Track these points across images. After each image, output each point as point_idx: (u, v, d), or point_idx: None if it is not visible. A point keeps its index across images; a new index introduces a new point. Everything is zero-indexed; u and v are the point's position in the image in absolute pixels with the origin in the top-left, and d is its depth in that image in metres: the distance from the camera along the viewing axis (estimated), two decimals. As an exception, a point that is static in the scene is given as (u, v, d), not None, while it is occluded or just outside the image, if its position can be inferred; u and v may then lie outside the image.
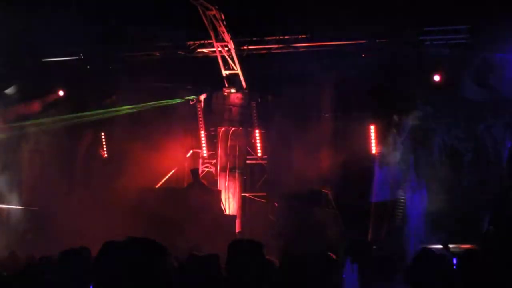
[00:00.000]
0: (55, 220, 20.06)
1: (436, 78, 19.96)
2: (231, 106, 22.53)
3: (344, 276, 6.83)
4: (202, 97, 22.95)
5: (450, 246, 16.71)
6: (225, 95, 22.65)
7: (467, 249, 6.99)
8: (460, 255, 6.97)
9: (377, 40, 20.31)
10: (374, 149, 20.99)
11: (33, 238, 20.51)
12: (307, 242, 15.88)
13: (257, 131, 22.40)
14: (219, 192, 21.79)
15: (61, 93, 23.79)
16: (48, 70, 23.63)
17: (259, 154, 22.54)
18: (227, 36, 21.46)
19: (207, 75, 22.46)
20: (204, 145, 23.03)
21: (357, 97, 21.06)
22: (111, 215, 20.97)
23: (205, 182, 22.03)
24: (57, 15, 20.98)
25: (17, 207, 23.74)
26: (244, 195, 22.68)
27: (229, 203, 22.20)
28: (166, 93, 22.63)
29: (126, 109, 23.39)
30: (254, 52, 22.24)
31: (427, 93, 19.99)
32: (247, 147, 22.70)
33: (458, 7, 18.11)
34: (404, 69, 19.46)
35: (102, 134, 24.04)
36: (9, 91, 23.44)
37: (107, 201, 22.42)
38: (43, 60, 23.89)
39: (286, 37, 21.72)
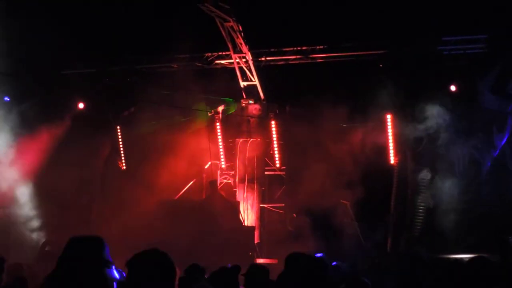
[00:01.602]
0: (74, 232, 20.07)
1: (452, 88, 19.89)
2: (249, 117, 22.56)
3: None
4: (220, 108, 22.97)
5: (469, 256, 16.63)
6: (243, 106, 22.68)
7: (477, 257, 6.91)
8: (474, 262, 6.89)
9: (395, 50, 20.25)
10: (392, 159, 20.92)
11: (52, 251, 20.57)
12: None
13: (275, 142, 22.38)
14: (238, 203, 21.79)
15: (81, 105, 23.90)
16: (67, 83, 23.77)
17: (277, 165, 22.52)
18: (244, 48, 21.51)
19: (225, 86, 22.49)
20: (222, 156, 23.03)
21: (375, 107, 21.05)
22: (130, 227, 21.04)
23: (224, 194, 22.04)
24: (75, 28, 21.15)
25: (37, 218, 23.90)
26: (263, 206, 22.66)
27: (248, 214, 22.19)
28: (184, 105, 22.66)
29: (145, 122, 23.49)
30: (272, 63, 22.28)
31: (446, 103, 19.95)
32: (265, 158, 22.69)
33: (476, 16, 18.07)
34: (422, 79, 19.42)
35: (121, 146, 24.08)
36: (28, 104, 23.59)
37: (125, 213, 22.50)
38: (62, 72, 24.04)
39: (303, 47, 21.75)
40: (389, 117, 20.63)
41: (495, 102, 19.41)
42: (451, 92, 19.89)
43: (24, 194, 23.14)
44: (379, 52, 20.81)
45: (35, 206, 23.54)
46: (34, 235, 23.19)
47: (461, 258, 17.15)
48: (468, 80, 19.67)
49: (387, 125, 20.80)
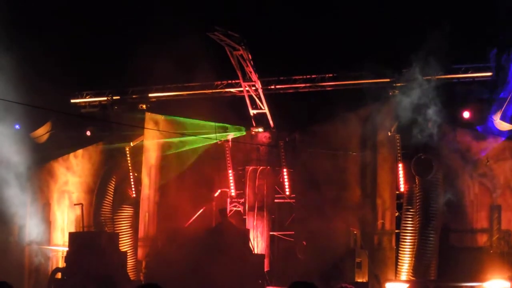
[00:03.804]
0: (83, 260, 20.10)
1: (466, 114, 19.90)
2: (258, 145, 22.58)
3: None
4: (230, 136, 23.00)
5: (480, 284, 16.59)
6: (252, 134, 22.72)
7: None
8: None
9: (404, 78, 20.28)
10: (402, 187, 20.88)
11: (63, 279, 20.59)
12: None
13: (285, 170, 22.36)
14: (247, 231, 21.74)
15: (88, 133, 24.01)
16: (77, 111, 23.93)
17: (287, 193, 22.48)
18: (254, 76, 21.58)
19: (234, 114, 22.55)
20: (232, 184, 23.02)
21: (385, 135, 21.08)
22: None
23: (233, 221, 22.00)
24: (86, 56, 21.32)
25: (48, 247, 23.96)
26: (273, 234, 22.60)
27: (258, 242, 22.14)
28: (194, 133, 22.71)
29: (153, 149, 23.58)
30: (281, 91, 22.34)
31: (455, 130, 19.97)
32: (275, 186, 22.67)
33: (485, 44, 18.14)
34: (431, 107, 19.45)
35: (130, 174, 24.12)
36: (40, 131, 23.73)
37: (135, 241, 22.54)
38: (72, 101, 24.22)
39: (313, 76, 21.82)
40: (399, 151, 20.70)
41: (505, 128, 19.42)
42: (463, 118, 19.92)
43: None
44: (387, 80, 20.86)
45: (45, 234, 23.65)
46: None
47: (471, 286, 17.15)
48: (479, 107, 19.70)
49: (397, 158, 20.83)
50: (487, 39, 18.17)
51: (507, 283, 18.02)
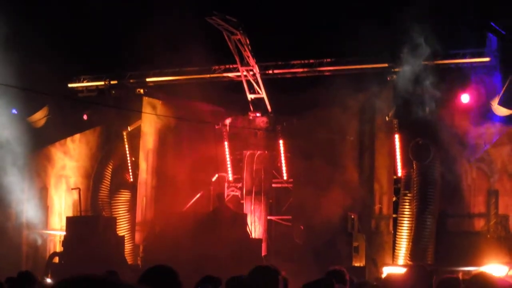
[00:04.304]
0: (80, 244, 20.13)
1: (465, 99, 19.85)
2: (256, 130, 22.57)
3: None
4: (228, 121, 22.97)
5: (478, 268, 16.61)
6: (250, 119, 22.70)
7: None
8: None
9: (402, 63, 20.24)
10: (400, 172, 20.91)
11: (60, 263, 20.61)
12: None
13: (282, 154, 22.37)
14: (245, 215, 21.77)
15: (85, 117, 23.95)
16: (74, 95, 23.89)
17: (285, 178, 22.50)
18: (252, 61, 21.55)
19: (232, 99, 22.52)
20: (229, 169, 23.03)
21: (383, 120, 21.08)
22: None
23: (231, 206, 22.03)
24: (83, 41, 21.25)
25: (45, 231, 23.97)
26: (270, 219, 22.64)
27: (255, 227, 22.18)
28: (192, 118, 22.68)
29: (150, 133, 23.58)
30: (279, 76, 22.31)
31: (453, 115, 19.95)
32: (273, 171, 22.69)
33: (482, 28, 18.08)
34: (429, 92, 19.42)
35: (128, 158, 24.12)
36: (37, 115, 23.68)
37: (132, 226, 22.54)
38: (69, 85, 24.17)
39: (311, 61, 21.77)
40: (397, 136, 20.69)
41: (503, 114, 19.41)
42: (462, 104, 19.89)
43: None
44: (385, 65, 20.83)
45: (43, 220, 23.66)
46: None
47: (468, 271, 17.19)
48: (477, 93, 19.67)
49: (395, 143, 20.83)
50: (486, 24, 18.10)
51: (505, 268, 18.07)
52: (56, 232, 24.21)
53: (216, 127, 22.93)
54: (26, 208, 23.92)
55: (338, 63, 21.58)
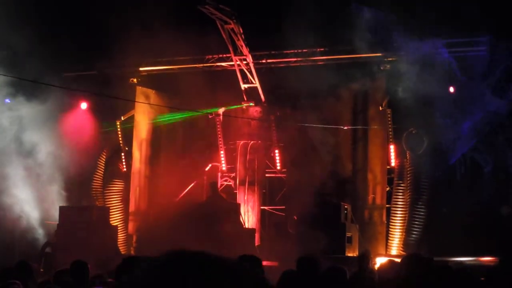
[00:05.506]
0: (74, 234, 20.13)
1: (451, 89, 19.83)
2: (250, 120, 22.55)
3: None
4: (221, 110, 22.95)
5: (471, 259, 16.66)
6: (243, 109, 22.68)
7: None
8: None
9: (395, 53, 20.22)
10: (393, 162, 20.94)
11: (53, 252, 20.57)
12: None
13: (276, 144, 22.37)
14: (238, 205, 21.78)
15: (83, 105, 23.84)
16: (70, 84, 23.78)
17: (278, 168, 22.51)
18: (245, 50, 21.50)
19: (225, 88, 22.48)
20: (223, 158, 23.04)
21: (376, 110, 21.09)
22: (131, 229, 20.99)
23: (224, 196, 22.04)
24: (78, 30, 21.16)
25: (38, 221, 23.89)
26: (263, 209, 22.65)
27: (248, 217, 22.18)
28: (185, 107, 22.66)
29: (144, 123, 23.54)
30: (273, 65, 22.28)
31: (446, 106, 19.93)
32: (266, 161, 22.69)
33: (477, 18, 18.04)
34: (423, 81, 19.39)
35: (121, 148, 24.08)
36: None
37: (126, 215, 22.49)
38: (65, 74, 24.04)
39: (304, 50, 21.72)
40: (390, 126, 20.70)
41: (496, 104, 19.39)
42: (452, 94, 19.87)
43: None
44: (378, 54, 20.80)
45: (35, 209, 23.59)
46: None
47: (461, 261, 17.20)
48: (470, 83, 19.65)
49: (388, 133, 20.85)
50: (480, 15, 18.06)
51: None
52: (49, 222, 24.15)
53: (210, 116, 22.93)
54: (20, 197, 23.83)
55: (331, 52, 21.53)
